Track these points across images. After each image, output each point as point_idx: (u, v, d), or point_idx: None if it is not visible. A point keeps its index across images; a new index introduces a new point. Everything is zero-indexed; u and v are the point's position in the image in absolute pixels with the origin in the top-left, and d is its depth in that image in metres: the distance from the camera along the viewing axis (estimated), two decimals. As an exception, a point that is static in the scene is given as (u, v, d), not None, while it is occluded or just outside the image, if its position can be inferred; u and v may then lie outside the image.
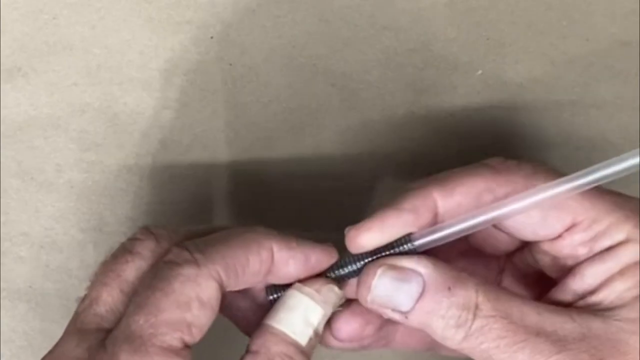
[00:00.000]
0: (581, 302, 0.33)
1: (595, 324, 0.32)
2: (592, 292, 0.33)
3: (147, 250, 0.34)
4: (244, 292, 0.36)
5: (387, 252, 0.34)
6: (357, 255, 0.35)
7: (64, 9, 0.39)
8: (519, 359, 0.32)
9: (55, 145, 0.41)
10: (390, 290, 0.33)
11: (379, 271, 0.34)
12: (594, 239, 0.34)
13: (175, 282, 0.31)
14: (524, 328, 0.32)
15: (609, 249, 0.33)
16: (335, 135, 0.43)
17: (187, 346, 0.31)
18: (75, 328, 0.33)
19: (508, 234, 0.36)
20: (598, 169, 0.32)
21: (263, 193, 0.44)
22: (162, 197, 0.43)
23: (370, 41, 0.41)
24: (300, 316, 0.34)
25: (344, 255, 0.35)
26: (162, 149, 0.42)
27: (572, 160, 0.43)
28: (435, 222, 0.34)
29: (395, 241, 0.34)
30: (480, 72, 0.42)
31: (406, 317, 0.33)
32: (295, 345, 0.33)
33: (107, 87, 0.41)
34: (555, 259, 0.35)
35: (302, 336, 0.34)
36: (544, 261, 0.36)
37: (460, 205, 0.34)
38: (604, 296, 0.33)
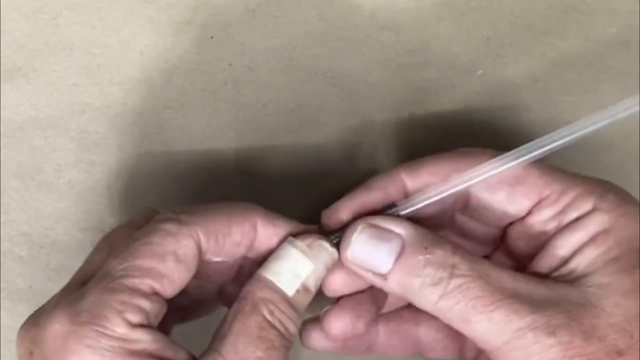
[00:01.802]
0: (555, 274, 0.34)
1: (569, 291, 0.33)
2: (564, 263, 0.34)
3: None
4: (238, 281, 0.37)
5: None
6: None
7: (64, 9, 0.39)
8: (495, 319, 0.32)
9: (55, 145, 0.41)
10: (369, 247, 0.34)
11: (359, 227, 0.35)
12: (562, 212, 0.35)
13: (155, 236, 0.33)
14: (500, 289, 0.32)
15: (577, 219, 0.34)
16: (335, 134, 0.43)
17: (157, 294, 0.33)
18: None
19: (480, 221, 0.37)
20: (549, 140, 0.34)
21: (263, 192, 0.44)
22: (162, 197, 0.42)
23: (370, 41, 0.41)
24: (288, 267, 0.35)
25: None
26: (162, 149, 0.42)
27: (572, 160, 0.43)
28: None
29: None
30: (480, 72, 0.42)
31: (386, 280, 0.34)
32: (281, 293, 0.34)
33: (107, 87, 0.41)
34: (527, 240, 0.36)
35: (289, 286, 0.34)
36: (519, 247, 0.37)
37: (427, 184, 0.36)
38: (576, 264, 0.34)
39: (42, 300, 0.34)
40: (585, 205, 0.34)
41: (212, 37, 0.40)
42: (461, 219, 0.38)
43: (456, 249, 0.34)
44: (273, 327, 0.33)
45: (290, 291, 0.34)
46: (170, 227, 0.33)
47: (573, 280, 0.33)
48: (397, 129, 0.43)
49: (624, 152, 0.44)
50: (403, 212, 0.36)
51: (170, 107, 0.41)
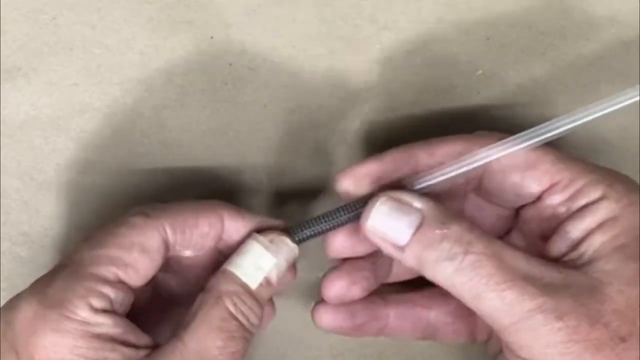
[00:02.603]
0: (565, 258, 0.35)
1: (577, 277, 0.34)
2: (574, 247, 0.35)
3: None
4: None
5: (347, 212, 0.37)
6: (320, 217, 0.37)
7: (64, 9, 0.39)
8: (507, 297, 0.33)
9: (55, 145, 0.41)
10: (389, 219, 0.35)
11: (381, 199, 0.36)
12: (572, 198, 0.36)
13: (122, 227, 0.35)
14: (513, 269, 0.33)
15: (587, 206, 0.35)
16: (335, 135, 0.43)
17: (122, 283, 0.35)
18: None
19: (493, 203, 0.38)
20: (564, 122, 0.36)
21: (263, 193, 0.44)
22: (162, 197, 0.42)
23: (370, 41, 0.41)
24: (251, 261, 0.36)
25: (310, 218, 0.37)
26: (162, 149, 0.42)
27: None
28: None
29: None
30: (480, 72, 0.42)
31: (403, 251, 0.35)
32: (244, 286, 0.36)
33: (107, 87, 0.40)
34: (540, 223, 0.37)
35: (252, 279, 0.36)
36: (532, 229, 0.38)
37: (440, 164, 0.37)
38: (584, 250, 0.35)
39: (42, 301, 0.34)
40: (594, 193, 0.35)
41: (212, 37, 0.40)
42: (475, 200, 0.39)
43: (473, 226, 0.35)
44: (235, 318, 0.35)
45: (253, 284, 0.36)
46: (137, 220, 0.36)
47: (581, 265, 0.34)
48: (397, 129, 0.43)
49: (623, 151, 0.44)
50: (417, 187, 0.36)
51: (170, 107, 0.41)
